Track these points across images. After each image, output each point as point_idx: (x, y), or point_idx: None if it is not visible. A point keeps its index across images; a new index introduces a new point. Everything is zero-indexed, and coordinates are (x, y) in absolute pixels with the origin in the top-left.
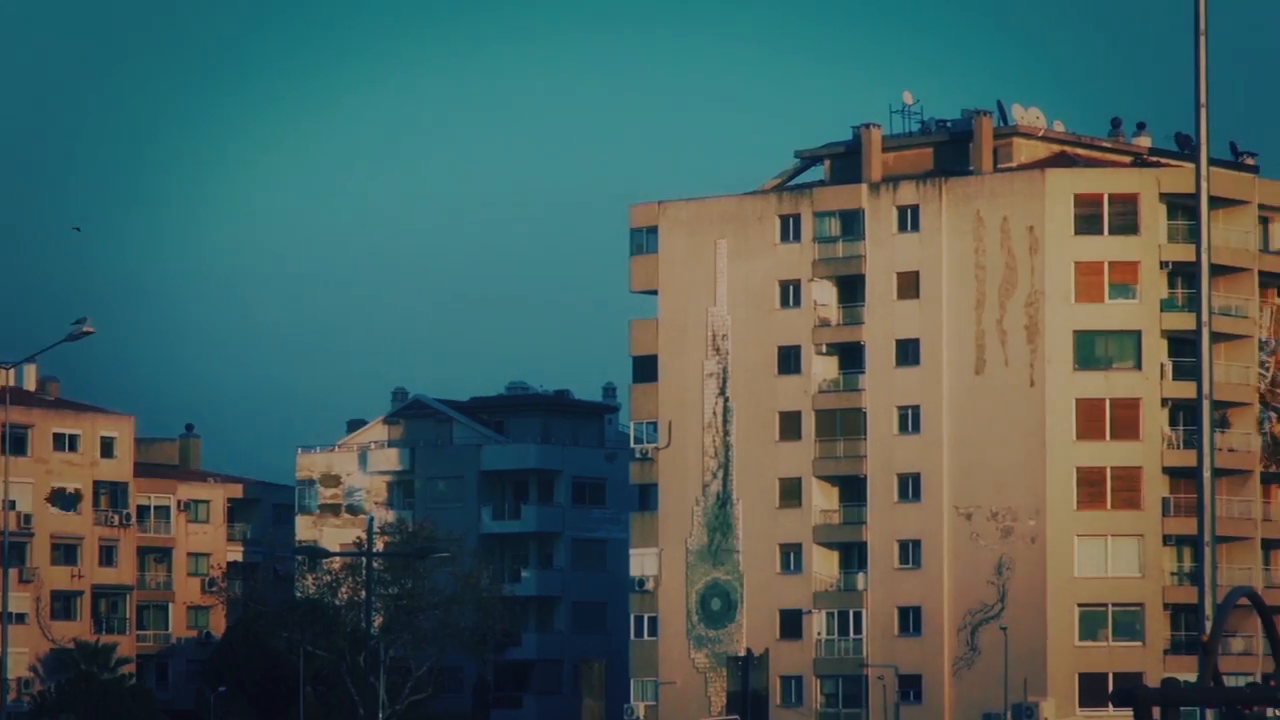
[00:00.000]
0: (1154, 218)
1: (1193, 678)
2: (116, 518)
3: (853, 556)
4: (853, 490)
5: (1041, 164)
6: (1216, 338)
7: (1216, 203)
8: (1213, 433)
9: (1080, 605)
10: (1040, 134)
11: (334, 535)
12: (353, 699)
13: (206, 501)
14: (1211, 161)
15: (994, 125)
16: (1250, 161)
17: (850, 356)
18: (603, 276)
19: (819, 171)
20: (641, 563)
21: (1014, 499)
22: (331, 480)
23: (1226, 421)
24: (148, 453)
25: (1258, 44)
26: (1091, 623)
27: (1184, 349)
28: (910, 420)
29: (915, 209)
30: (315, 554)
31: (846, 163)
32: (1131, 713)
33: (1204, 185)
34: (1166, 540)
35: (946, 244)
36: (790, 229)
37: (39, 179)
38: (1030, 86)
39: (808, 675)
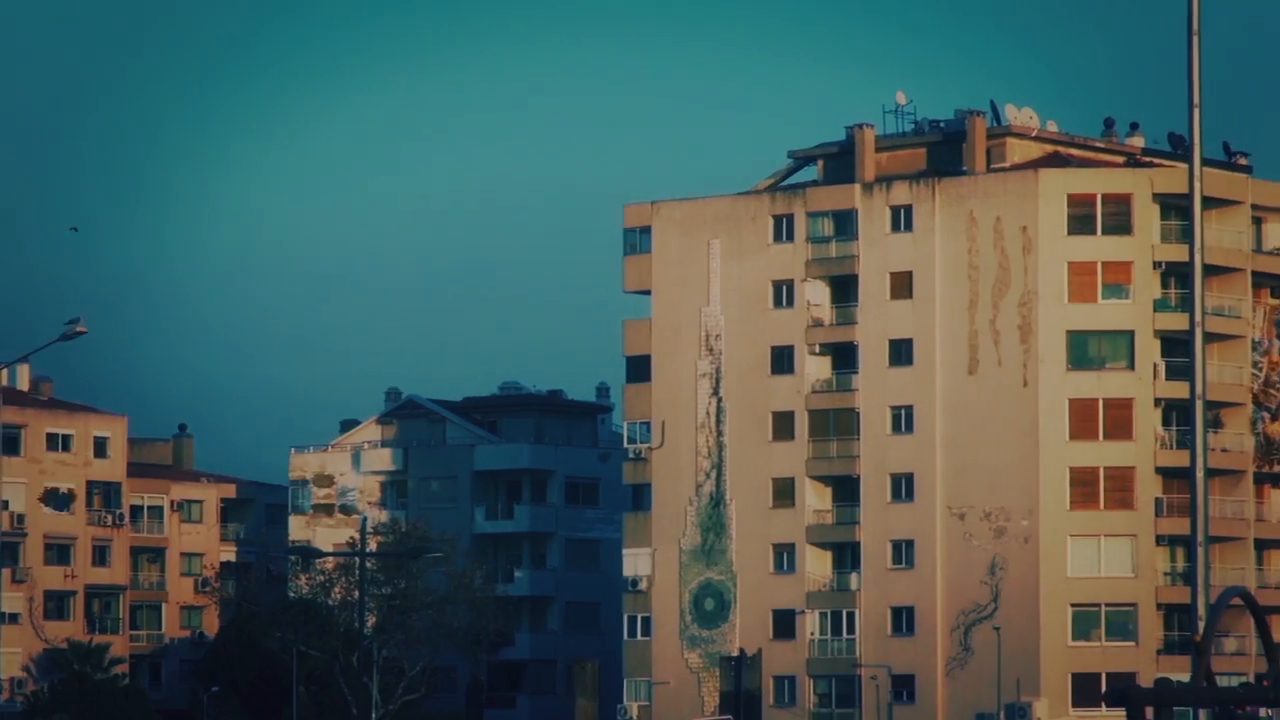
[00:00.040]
0: (1147, 218)
1: (1186, 678)
2: (110, 518)
3: (846, 556)
4: (846, 490)
5: (1035, 164)
6: (1210, 338)
7: (1210, 203)
8: (1206, 433)
9: (1073, 605)
10: (1033, 134)
11: (327, 535)
12: (346, 699)
13: (200, 501)
14: (1205, 162)
15: (987, 125)
16: (1243, 161)
17: (843, 356)
18: (596, 276)
19: (812, 171)
20: (635, 563)
21: (1007, 499)
22: (325, 480)
23: (1219, 422)
24: (141, 453)
25: (1250, 44)
26: (1085, 623)
27: (1177, 349)
28: (903, 420)
29: (908, 209)
30: (308, 554)
31: (840, 163)
32: (1125, 713)
33: (1197, 185)
34: (1159, 540)
35: (940, 244)
36: (783, 229)
37: (36, 178)
38: (1023, 87)
39: (801, 675)
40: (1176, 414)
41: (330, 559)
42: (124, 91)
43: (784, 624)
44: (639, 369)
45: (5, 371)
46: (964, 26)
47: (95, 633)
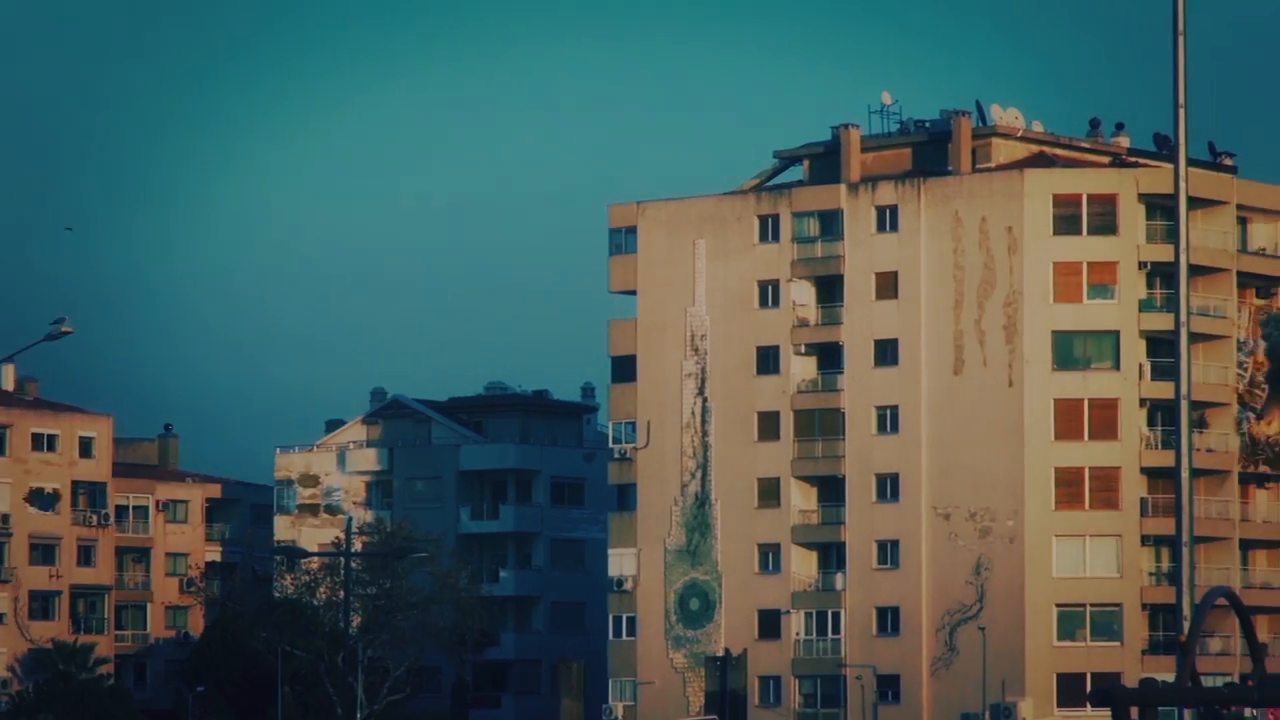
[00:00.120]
0: (1132, 218)
1: (1170, 678)
2: (95, 518)
3: (831, 557)
4: (831, 490)
5: (1020, 164)
6: (1195, 338)
7: (1195, 203)
8: (1191, 433)
9: (1058, 605)
10: (1019, 134)
11: (312, 535)
12: (331, 699)
13: (185, 501)
14: (1190, 162)
15: (973, 125)
16: (1229, 162)
17: (829, 357)
18: (581, 276)
19: (798, 172)
20: (620, 563)
21: (992, 499)
22: (310, 480)
23: (1205, 422)
24: (126, 453)
25: (1236, 45)
26: (1069, 623)
27: (1162, 349)
28: (889, 420)
29: (894, 209)
30: (293, 554)
31: (825, 163)
32: (1109, 713)
33: (1183, 185)
34: (1144, 540)
35: (925, 244)
36: (769, 229)
37: (27, 176)
38: (1009, 87)
39: (786, 675)
40: (1162, 414)
41: (315, 559)
42: (103, 93)
43: (769, 624)
44: (624, 369)
45: None
46: (949, 27)
47: (80, 633)
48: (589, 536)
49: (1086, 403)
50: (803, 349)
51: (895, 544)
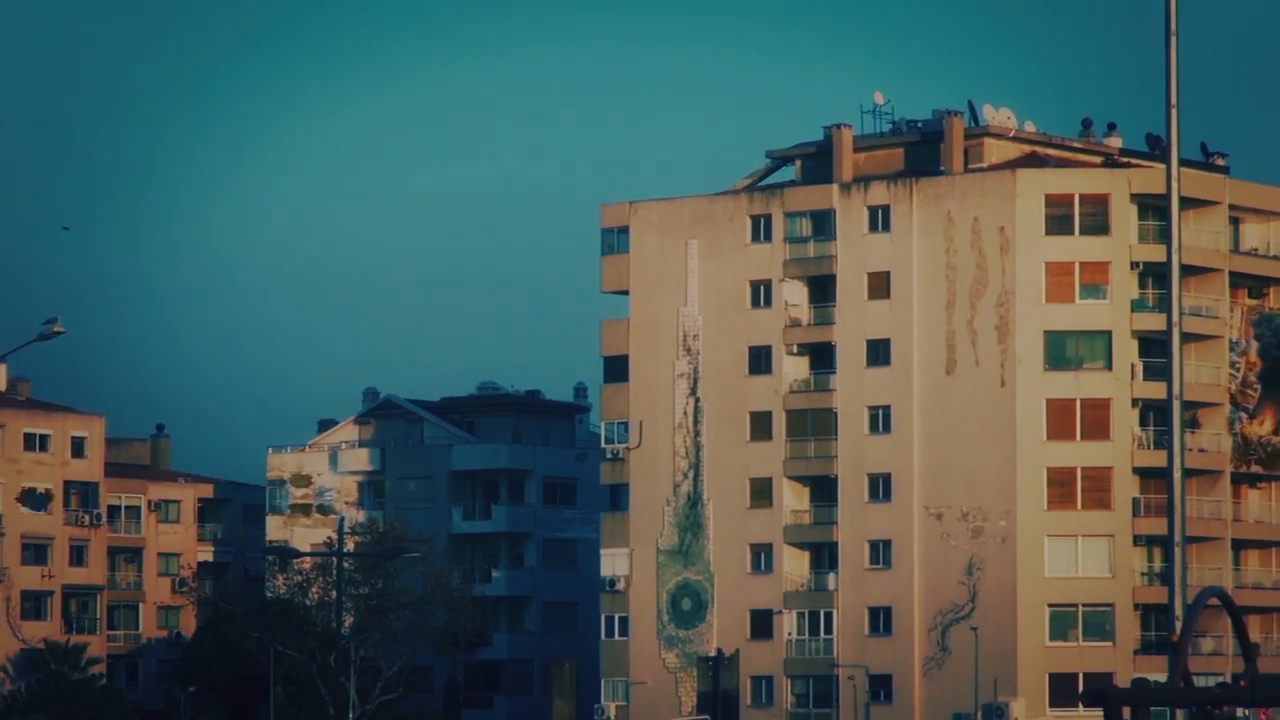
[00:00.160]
0: (1125, 218)
1: (1163, 678)
2: (87, 518)
3: (823, 556)
4: (823, 490)
5: (1012, 164)
6: (1187, 338)
7: (1187, 203)
8: (1183, 433)
9: (1050, 605)
10: (1011, 134)
11: (304, 535)
12: (323, 699)
13: (177, 501)
14: (1182, 162)
15: (965, 125)
16: (1221, 162)
17: (821, 357)
18: (574, 277)
19: (790, 172)
20: (612, 563)
21: (984, 499)
22: (302, 480)
23: (1197, 422)
24: (118, 453)
25: (1229, 45)
26: (1062, 623)
27: (1154, 349)
28: (881, 420)
29: (886, 209)
30: (286, 554)
31: (817, 163)
32: (1101, 713)
33: (1175, 186)
34: (1137, 540)
35: (917, 244)
36: (761, 229)
37: (24, 176)
38: (1001, 87)
39: (778, 675)
40: (1154, 414)
41: (307, 559)
42: (105, 93)
43: (761, 624)
44: (616, 369)
45: None
46: (942, 27)
47: (72, 633)
48: (581, 536)
49: (1079, 403)
50: (795, 349)
51: (887, 544)
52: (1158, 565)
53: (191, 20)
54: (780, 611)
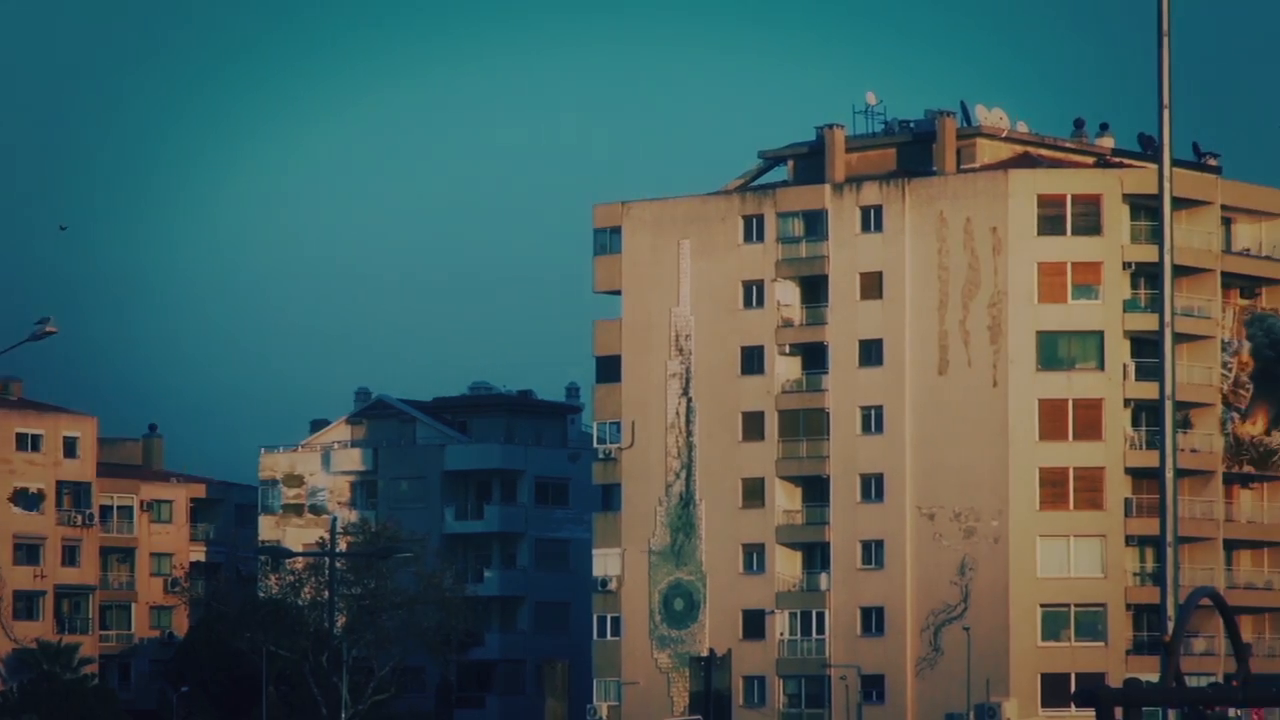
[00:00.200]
0: (1117, 218)
1: (1155, 678)
2: (79, 518)
3: (815, 557)
4: (815, 490)
5: (1004, 164)
6: (1179, 338)
7: (1179, 203)
8: (1175, 433)
9: (1043, 605)
10: (1003, 135)
11: (297, 535)
12: (315, 699)
13: (169, 501)
14: (1174, 162)
15: (957, 126)
16: (1213, 162)
17: (813, 357)
18: (566, 277)
19: (782, 172)
20: (604, 563)
21: (977, 499)
22: (294, 480)
23: (1189, 422)
24: (110, 453)
25: (1221, 45)
26: (1054, 623)
27: (1147, 349)
28: (873, 420)
29: (878, 209)
30: (278, 554)
31: (810, 163)
32: (1094, 713)
33: (1167, 186)
34: (1129, 541)
35: (909, 244)
36: (753, 229)
37: (21, 176)
38: (993, 87)
39: (770, 675)
40: (1146, 414)
41: (300, 559)
42: (107, 93)
43: (753, 624)
44: (609, 369)
45: None
46: (934, 27)
47: (65, 633)
48: (573, 537)
49: (1071, 403)
50: (787, 349)
51: (880, 544)
52: (1150, 565)
53: (177, 32)
54: (772, 611)
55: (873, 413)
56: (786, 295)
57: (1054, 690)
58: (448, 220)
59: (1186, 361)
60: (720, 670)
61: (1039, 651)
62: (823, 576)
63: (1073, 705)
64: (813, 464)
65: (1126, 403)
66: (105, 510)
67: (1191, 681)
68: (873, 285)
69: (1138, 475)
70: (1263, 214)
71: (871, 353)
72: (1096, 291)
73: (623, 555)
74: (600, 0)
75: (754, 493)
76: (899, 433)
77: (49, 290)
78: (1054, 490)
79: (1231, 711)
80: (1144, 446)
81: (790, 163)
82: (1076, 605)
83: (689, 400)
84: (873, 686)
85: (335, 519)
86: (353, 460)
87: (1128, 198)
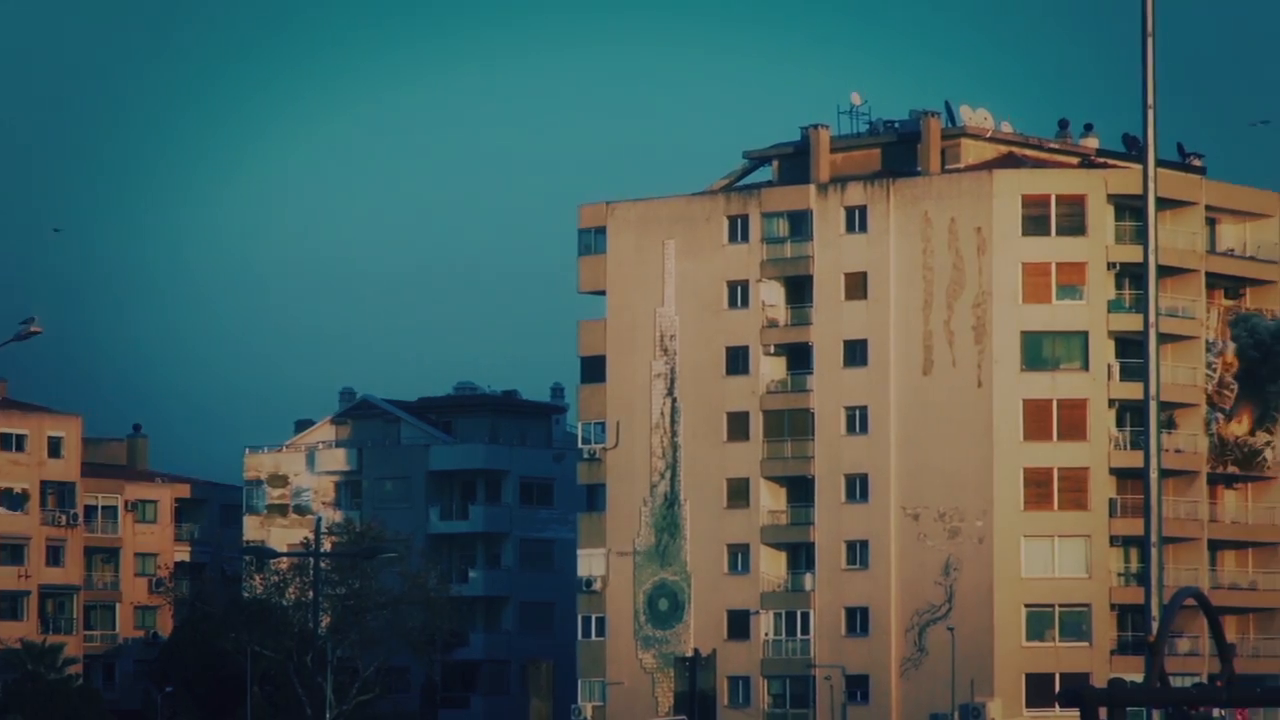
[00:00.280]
0: (1101, 219)
1: (1139, 678)
2: (63, 518)
3: (800, 557)
4: (800, 491)
5: (989, 165)
6: (1164, 339)
7: (1164, 204)
8: (1159, 434)
9: (1027, 606)
10: (988, 135)
11: (281, 535)
12: (300, 699)
13: (154, 501)
14: (1159, 163)
15: (942, 126)
16: (1197, 163)
17: (798, 357)
18: (551, 277)
19: (767, 172)
20: (589, 563)
21: (961, 500)
22: (279, 480)
23: (1173, 423)
24: (95, 453)
25: (1205, 46)
26: (1038, 623)
27: (1131, 350)
28: (858, 421)
29: (863, 210)
30: (262, 554)
31: (794, 163)
32: (1078, 713)
33: (1151, 186)
34: (1113, 541)
35: (894, 245)
36: (738, 230)
37: (23, 175)
38: (978, 87)
39: (755, 676)
40: (1130, 415)
41: (284, 559)
42: (102, 94)
43: (738, 624)
44: (594, 369)
45: None
46: (919, 27)
47: (49, 633)
48: (558, 537)
49: (1055, 403)
50: (772, 349)
51: (864, 544)
52: (1134, 566)
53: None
54: (757, 612)
55: (857, 413)
56: (771, 295)
57: (1038, 690)
58: (432, 220)
59: (1171, 362)
60: (705, 670)
61: (1023, 652)
62: (807, 577)
63: (1057, 705)
64: (797, 464)
65: (1111, 403)
66: (90, 510)
67: (1176, 682)
68: (857, 285)
69: (1122, 475)
70: (1247, 214)
71: (856, 353)
72: (1081, 292)
73: (607, 555)
74: (585, 2)
75: (739, 493)
76: (884, 433)
77: (33, 290)
78: (1038, 490)
79: (1216, 712)
80: (1128, 447)
81: (775, 163)
82: (1061, 605)
83: (674, 400)
84: (857, 687)
85: (320, 519)
86: (337, 460)
87: (1112, 198)
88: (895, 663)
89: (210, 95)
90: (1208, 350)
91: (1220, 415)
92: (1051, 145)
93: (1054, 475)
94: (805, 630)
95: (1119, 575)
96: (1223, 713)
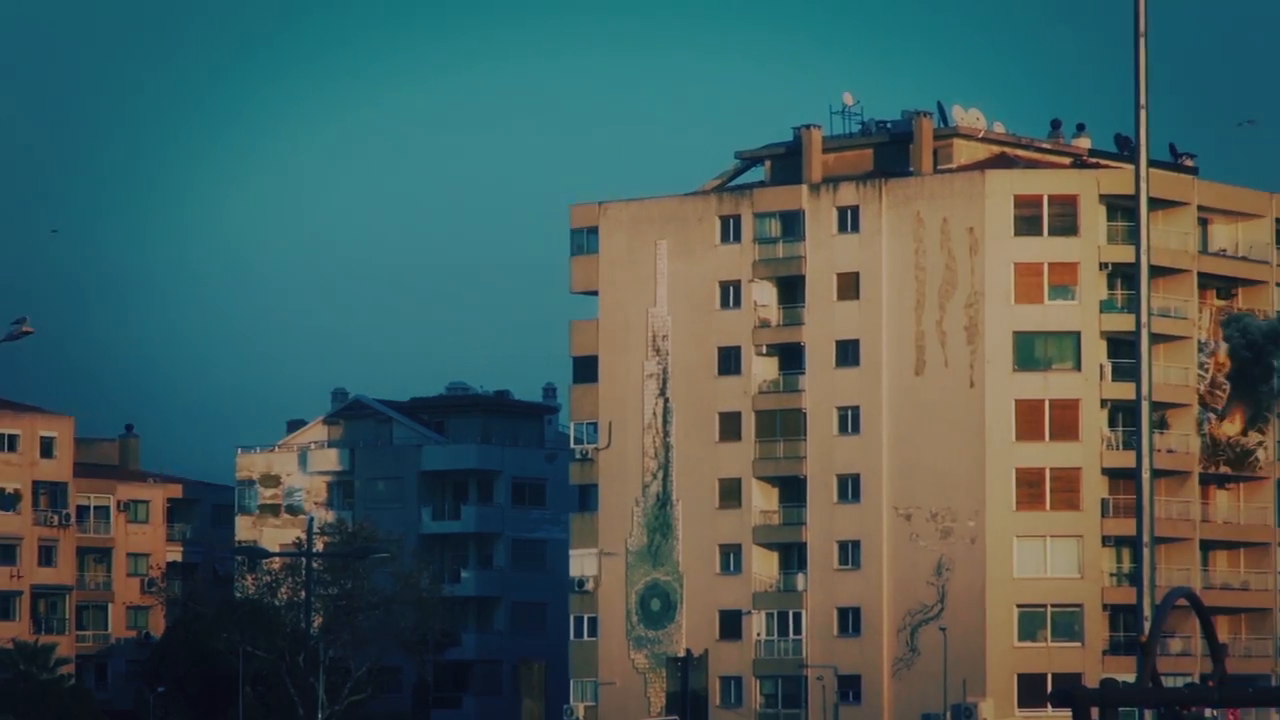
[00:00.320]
0: (1093, 219)
1: (1131, 678)
2: (56, 518)
3: (792, 557)
4: (792, 491)
5: (981, 165)
6: (1156, 339)
7: (1156, 204)
8: (1151, 434)
9: (1019, 606)
10: (980, 135)
11: (274, 535)
12: (292, 699)
13: (146, 502)
14: (1151, 163)
15: (934, 126)
16: (1189, 163)
17: (790, 357)
18: (543, 277)
19: (759, 172)
20: (581, 563)
21: (953, 500)
22: (271, 480)
23: (1165, 423)
24: (87, 453)
25: (1197, 46)
26: (1030, 623)
27: (1123, 350)
28: (850, 421)
29: (855, 210)
30: (255, 554)
31: (787, 163)
32: (1070, 713)
33: (1143, 186)
34: (1105, 541)
35: (886, 245)
36: (730, 230)
37: (26, 174)
38: (970, 88)
39: (747, 676)
40: (1123, 415)
41: (276, 559)
42: (108, 93)
43: (730, 624)
44: (586, 370)
45: None
46: (911, 27)
47: (41, 633)
48: (550, 537)
49: (1047, 403)
50: (764, 349)
51: (856, 544)
52: (1126, 566)
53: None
54: (749, 612)
55: (849, 413)
56: (763, 296)
57: (1030, 690)
58: (424, 221)
59: (1163, 362)
60: (697, 671)
61: (1015, 652)
62: (799, 577)
63: (1049, 706)
64: (789, 464)
65: (1103, 403)
66: (82, 510)
67: (1168, 682)
68: (849, 286)
69: (1114, 476)
70: (1239, 214)
71: (848, 353)
72: (1073, 292)
73: (599, 556)
74: (577, 3)
75: (731, 493)
76: (876, 433)
77: (42, 289)
78: (1030, 491)
79: (1208, 712)
80: (1120, 447)
81: (767, 163)
82: (1053, 605)
83: (666, 401)
84: (849, 687)
85: (312, 519)
86: (329, 460)
87: (1104, 198)
88: (887, 663)
89: (208, 100)
90: (1200, 350)
91: (1212, 415)
92: (1043, 145)
93: (1046, 475)
94: (797, 630)
95: (1111, 575)
96: (1215, 713)
